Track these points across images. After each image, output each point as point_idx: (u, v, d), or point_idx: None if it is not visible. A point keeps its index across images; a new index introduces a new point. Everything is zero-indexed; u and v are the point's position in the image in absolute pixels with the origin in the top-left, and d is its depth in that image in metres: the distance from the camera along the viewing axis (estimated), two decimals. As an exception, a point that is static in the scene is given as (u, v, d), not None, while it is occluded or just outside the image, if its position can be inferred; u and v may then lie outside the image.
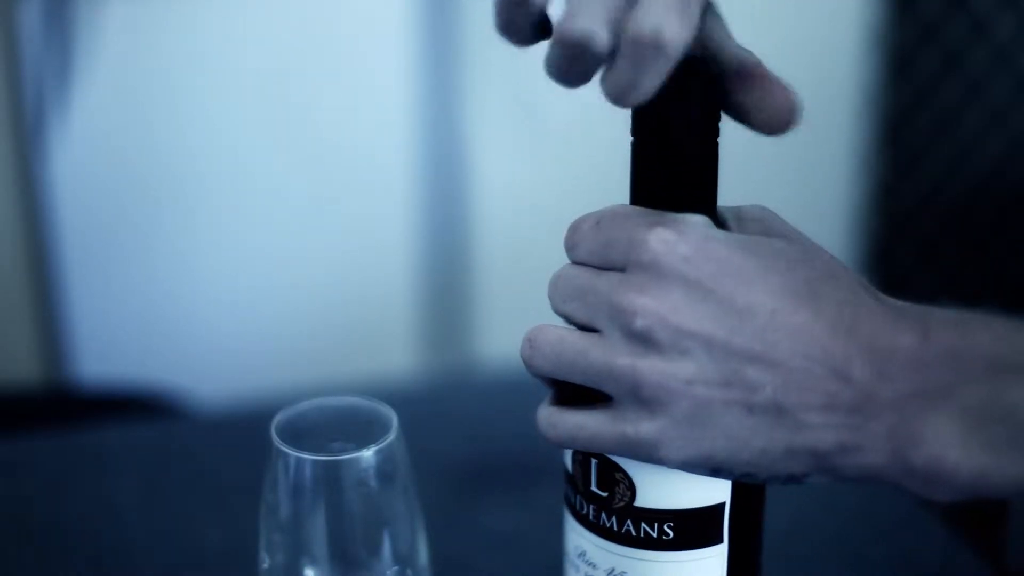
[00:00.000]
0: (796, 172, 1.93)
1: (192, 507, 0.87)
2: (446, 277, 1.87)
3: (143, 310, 1.79)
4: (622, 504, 0.54)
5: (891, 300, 0.50)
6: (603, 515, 0.54)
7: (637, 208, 0.52)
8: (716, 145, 0.54)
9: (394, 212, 1.83)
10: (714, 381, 0.48)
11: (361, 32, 1.75)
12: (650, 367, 0.48)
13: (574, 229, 0.54)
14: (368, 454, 0.56)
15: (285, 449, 0.56)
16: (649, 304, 0.48)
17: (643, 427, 0.49)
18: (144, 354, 1.78)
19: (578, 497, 0.55)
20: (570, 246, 0.54)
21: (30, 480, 0.92)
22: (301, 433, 0.58)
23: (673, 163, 0.53)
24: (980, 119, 1.87)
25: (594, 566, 0.56)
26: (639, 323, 0.48)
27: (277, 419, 0.58)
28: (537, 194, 1.83)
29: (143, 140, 1.71)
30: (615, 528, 0.54)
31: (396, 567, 0.58)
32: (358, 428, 0.58)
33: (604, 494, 0.54)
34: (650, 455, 0.49)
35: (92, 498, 0.89)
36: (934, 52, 1.89)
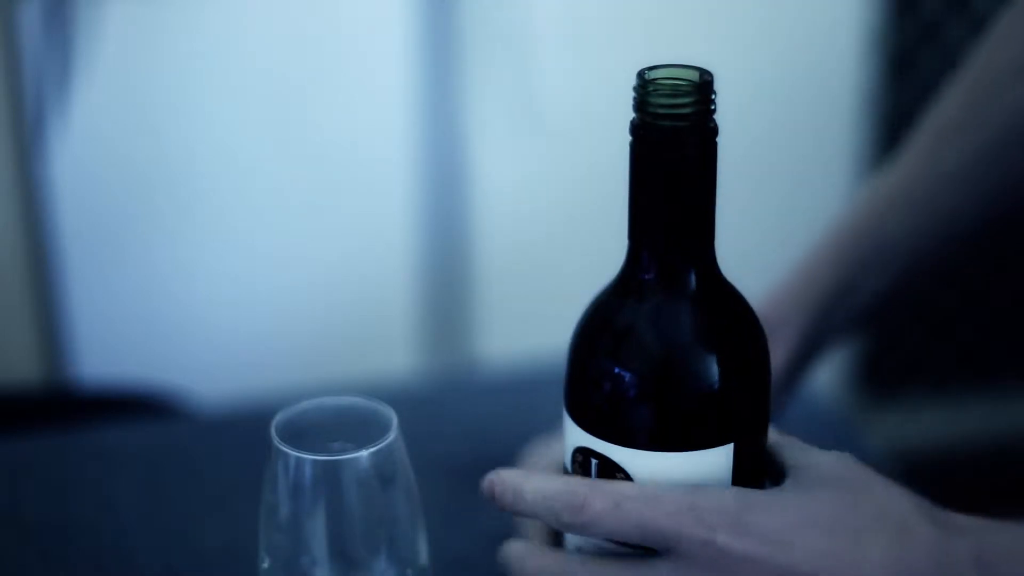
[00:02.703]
0: (796, 172, 1.93)
1: (192, 507, 0.87)
2: (446, 277, 1.87)
3: (143, 310, 1.79)
4: None
5: (947, 518, 0.51)
6: None
7: (653, 489, 0.51)
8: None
9: (394, 212, 1.83)
10: None
11: (361, 32, 1.75)
12: None
13: (580, 507, 0.52)
14: (368, 454, 0.56)
15: (285, 449, 0.56)
16: None
17: None
18: (144, 354, 1.78)
19: None
20: (575, 524, 0.52)
21: (30, 480, 0.92)
22: (301, 433, 0.58)
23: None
24: (980, 119, 1.87)
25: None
26: None
27: (277, 419, 0.58)
28: (537, 194, 1.83)
29: (143, 140, 1.71)
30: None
31: (396, 567, 0.58)
32: (358, 428, 0.58)
33: None
34: None
35: (92, 498, 0.89)
36: (934, 52, 1.89)
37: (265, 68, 1.72)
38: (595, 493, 0.52)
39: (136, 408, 1.31)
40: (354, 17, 1.74)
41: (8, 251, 1.71)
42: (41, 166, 1.67)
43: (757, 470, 0.55)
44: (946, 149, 0.79)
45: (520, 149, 1.79)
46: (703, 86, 0.52)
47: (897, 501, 0.51)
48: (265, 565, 0.58)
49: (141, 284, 1.78)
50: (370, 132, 1.79)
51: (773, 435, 0.56)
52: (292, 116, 1.75)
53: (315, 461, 0.56)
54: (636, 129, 0.53)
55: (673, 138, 0.52)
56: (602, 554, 0.53)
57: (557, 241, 1.87)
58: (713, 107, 0.53)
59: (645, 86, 0.52)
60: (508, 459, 0.86)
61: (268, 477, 0.57)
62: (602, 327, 0.55)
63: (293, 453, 0.56)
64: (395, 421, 0.58)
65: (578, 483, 0.53)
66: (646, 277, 0.55)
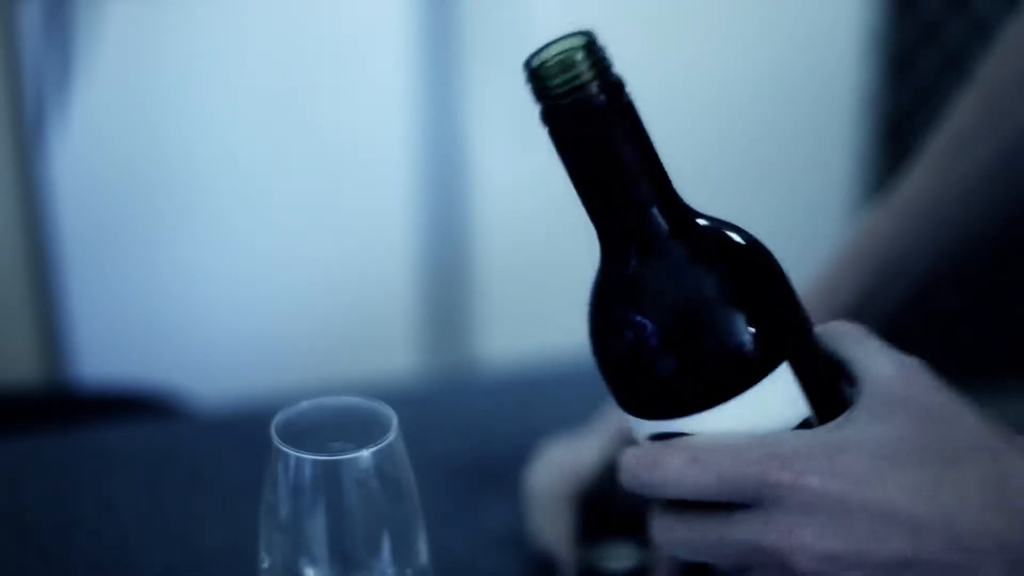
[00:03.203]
0: (796, 172, 1.93)
1: (192, 507, 0.88)
2: (446, 277, 1.87)
3: (143, 310, 1.79)
4: None
5: (1020, 440, 0.51)
6: None
7: (730, 438, 0.50)
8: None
9: (394, 212, 1.83)
10: None
11: (361, 32, 1.75)
12: None
13: (652, 464, 0.51)
14: (368, 454, 0.56)
15: (285, 449, 0.56)
16: (801, 538, 0.48)
17: None
18: (144, 354, 1.78)
19: None
20: (655, 481, 0.51)
21: (30, 480, 0.92)
22: (301, 433, 0.58)
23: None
24: (980, 119, 1.87)
25: None
26: (801, 563, 0.48)
27: (277, 419, 0.58)
28: (537, 194, 1.83)
29: (143, 140, 1.71)
30: None
31: (396, 567, 0.58)
32: (358, 428, 0.58)
33: None
34: None
35: (92, 498, 0.89)
36: (934, 52, 1.89)
37: (265, 68, 1.72)
38: (663, 448, 0.51)
39: (136, 408, 1.31)
40: (354, 17, 1.74)
41: (8, 251, 1.71)
42: (41, 166, 1.67)
43: (824, 379, 0.53)
44: (960, 159, 0.80)
45: (520, 149, 1.79)
46: (587, 48, 0.50)
47: (976, 422, 0.51)
48: (265, 565, 0.58)
49: (141, 284, 1.78)
50: (370, 132, 1.79)
51: (823, 331, 0.55)
52: (292, 116, 1.75)
53: (315, 461, 0.56)
54: (549, 117, 0.52)
55: (587, 110, 0.50)
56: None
57: (557, 241, 1.87)
58: (606, 62, 0.51)
59: (535, 74, 0.51)
60: (508, 459, 0.86)
61: (268, 477, 0.57)
62: (623, 318, 0.52)
63: (293, 453, 0.56)
64: (395, 421, 0.58)
65: (652, 444, 0.51)
66: (631, 249, 0.52)
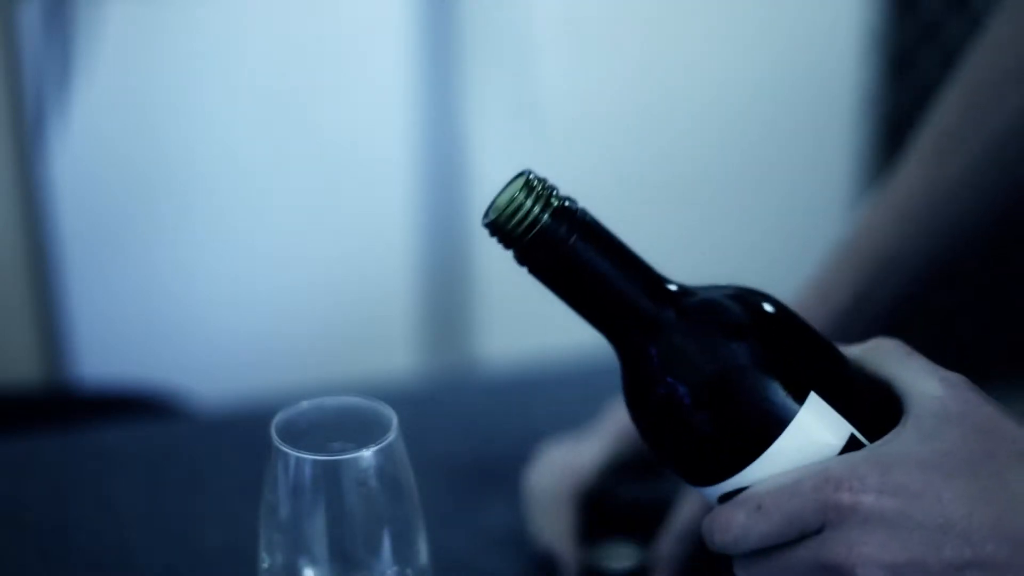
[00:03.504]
0: (796, 172, 1.93)
1: (192, 507, 0.88)
2: (446, 277, 1.87)
3: (143, 310, 1.79)
4: None
5: None
6: None
7: (782, 477, 0.52)
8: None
9: (394, 212, 1.83)
10: None
11: (361, 32, 1.75)
12: None
13: (725, 526, 0.53)
14: (368, 454, 0.56)
15: (285, 449, 0.56)
16: (863, 552, 0.50)
17: None
18: (144, 354, 1.78)
19: None
20: (729, 541, 0.53)
21: (30, 480, 0.92)
22: (301, 433, 0.58)
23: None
24: (980, 119, 1.87)
25: None
26: (859, 571, 0.50)
27: (277, 419, 0.58)
28: (537, 194, 1.83)
29: (143, 140, 1.71)
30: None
31: (396, 567, 0.58)
32: (358, 428, 0.58)
33: None
34: None
35: (92, 498, 0.89)
36: (934, 52, 1.89)
37: (265, 68, 1.72)
38: (731, 507, 0.53)
39: (136, 408, 1.31)
40: (354, 17, 1.74)
41: (8, 251, 1.71)
42: (41, 166, 1.67)
43: (864, 398, 0.55)
44: (947, 157, 0.80)
45: (520, 149, 1.79)
46: (527, 187, 0.53)
47: (1022, 431, 0.52)
48: (265, 565, 0.58)
49: (141, 284, 1.78)
50: (370, 132, 1.79)
51: (865, 350, 0.57)
52: (292, 116, 1.75)
53: (315, 461, 0.56)
54: (521, 259, 0.54)
55: (550, 241, 0.53)
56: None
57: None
58: (550, 191, 0.53)
59: (492, 229, 0.54)
60: (508, 459, 0.86)
61: (268, 477, 0.57)
62: (663, 406, 0.54)
63: (293, 453, 0.56)
64: (395, 421, 0.58)
65: (720, 507, 0.54)
66: (644, 342, 0.55)
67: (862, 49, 1.89)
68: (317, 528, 0.57)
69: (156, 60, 1.68)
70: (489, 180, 1.82)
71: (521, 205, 0.53)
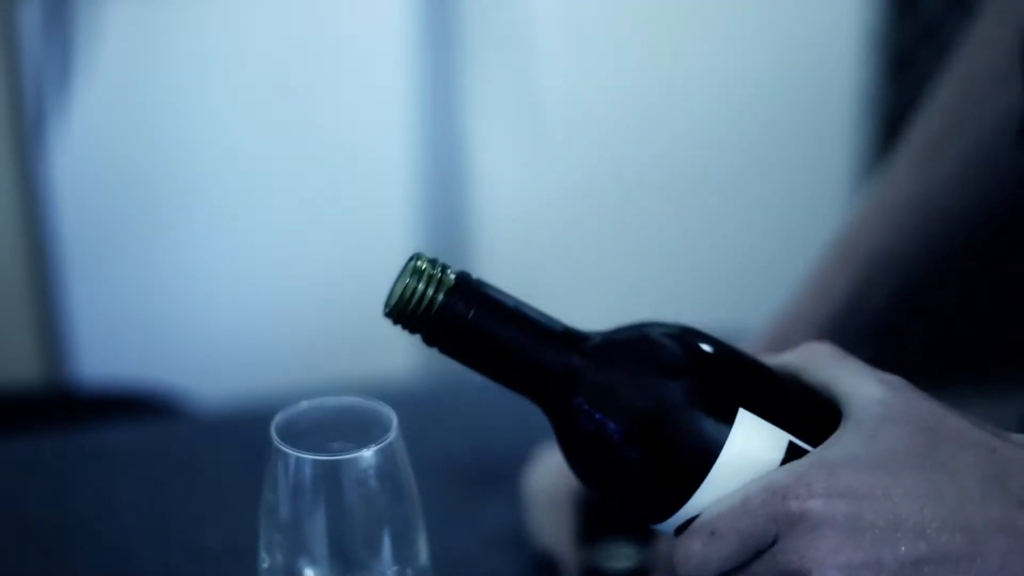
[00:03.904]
0: (796, 172, 1.93)
1: (192, 507, 0.88)
2: (446, 277, 1.87)
3: (143, 310, 1.79)
4: None
5: (1017, 437, 0.52)
6: None
7: (728, 498, 0.52)
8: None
9: (394, 212, 1.83)
10: None
11: (361, 32, 1.75)
12: None
13: (685, 557, 0.53)
14: (368, 454, 0.56)
15: (285, 449, 0.56)
16: (816, 556, 0.50)
17: None
18: (144, 354, 1.78)
19: None
20: (693, 572, 0.53)
21: (30, 480, 0.92)
22: (301, 433, 0.58)
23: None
24: (980, 119, 1.87)
25: None
26: None
27: (277, 419, 0.58)
28: (537, 194, 1.83)
29: (143, 140, 1.71)
30: None
31: (396, 567, 0.58)
32: (358, 428, 0.58)
33: None
34: None
35: (92, 498, 0.89)
36: (934, 52, 1.89)
37: (265, 68, 1.72)
38: (686, 538, 0.53)
39: (136, 408, 1.32)
40: (354, 17, 1.74)
41: (8, 251, 1.71)
42: (41, 166, 1.67)
43: (799, 405, 0.55)
44: (942, 154, 0.81)
45: (520, 149, 1.79)
46: (416, 272, 0.54)
47: (967, 424, 0.52)
48: (265, 565, 0.58)
49: (141, 284, 1.78)
50: (370, 132, 1.79)
51: (797, 357, 0.56)
52: (292, 116, 1.75)
53: (315, 461, 0.56)
54: (429, 341, 0.55)
55: (452, 317, 0.54)
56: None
57: (557, 241, 1.87)
58: (439, 270, 0.54)
59: (394, 318, 0.54)
60: (508, 459, 0.86)
61: (268, 477, 0.57)
62: (596, 455, 0.55)
63: (293, 453, 0.56)
64: (395, 421, 0.58)
65: (677, 540, 0.54)
66: (566, 396, 0.55)
67: (862, 49, 1.89)
68: (317, 528, 0.57)
69: (156, 60, 1.68)
70: (489, 180, 1.83)
71: (415, 290, 0.54)
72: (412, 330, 0.55)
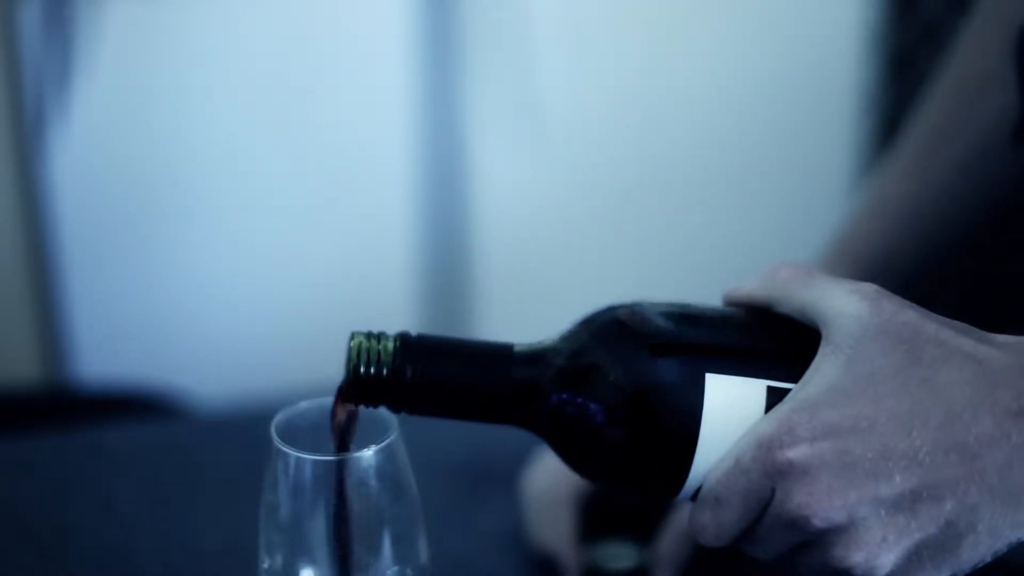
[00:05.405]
0: (796, 172, 1.93)
1: (192, 507, 0.87)
2: (446, 277, 1.87)
3: (143, 310, 1.79)
4: None
5: (1003, 339, 0.51)
6: None
7: (728, 456, 0.52)
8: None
9: (394, 212, 1.83)
10: (905, 529, 0.49)
11: (361, 32, 1.75)
12: (855, 551, 0.49)
13: (700, 528, 0.53)
14: (368, 454, 0.56)
15: (285, 449, 0.56)
16: (813, 501, 0.49)
17: None
18: (144, 354, 1.78)
19: None
20: (711, 540, 0.53)
21: (30, 480, 0.92)
22: (301, 433, 0.58)
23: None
24: (980, 119, 1.87)
25: None
26: (817, 521, 0.49)
27: (277, 419, 0.58)
28: (537, 194, 1.83)
29: (143, 140, 1.71)
30: None
31: (396, 567, 0.58)
32: (358, 428, 0.58)
33: None
34: None
35: (92, 498, 0.89)
36: (934, 52, 1.89)
37: (265, 68, 1.72)
38: (696, 509, 0.53)
39: (136, 408, 1.32)
40: (354, 17, 1.74)
41: (8, 251, 1.71)
42: (41, 166, 1.67)
43: (771, 347, 0.54)
44: (935, 157, 0.81)
45: (520, 149, 1.79)
46: (360, 350, 0.54)
47: (950, 333, 0.51)
48: (265, 565, 0.58)
49: (141, 284, 1.78)
50: (370, 132, 1.79)
51: (765, 286, 0.56)
52: (292, 116, 1.75)
53: (315, 461, 0.56)
54: (396, 408, 0.55)
55: (405, 380, 0.54)
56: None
57: (557, 241, 1.87)
58: (380, 339, 0.55)
59: (354, 398, 0.55)
60: (507, 459, 0.86)
61: (268, 477, 0.57)
62: (595, 457, 0.56)
63: (293, 453, 0.56)
64: (395, 421, 0.58)
65: (677, 519, 0.54)
66: (541, 411, 0.55)
67: (862, 49, 1.89)
68: (317, 528, 0.57)
69: (156, 60, 1.68)
70: (489, 180, 1.82)
71: (361, 370, 0.54)
72: (374, 405, 0.55)
